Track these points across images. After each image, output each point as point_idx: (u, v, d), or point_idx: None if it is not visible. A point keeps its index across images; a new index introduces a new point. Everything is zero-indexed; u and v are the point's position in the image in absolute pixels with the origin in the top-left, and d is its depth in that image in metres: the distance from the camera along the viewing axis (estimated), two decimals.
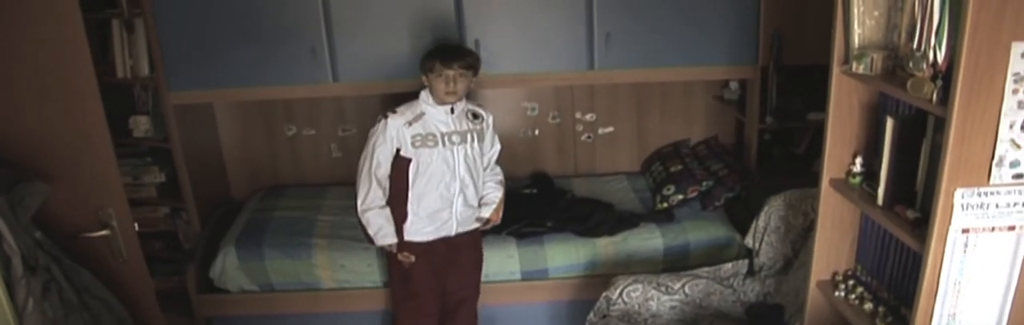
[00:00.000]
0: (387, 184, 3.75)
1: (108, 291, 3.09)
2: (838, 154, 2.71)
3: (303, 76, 4.34)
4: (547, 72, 4.47)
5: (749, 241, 3.86)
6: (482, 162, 3.87)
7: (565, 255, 4.40)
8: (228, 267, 4.35)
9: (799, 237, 3.70)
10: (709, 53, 4.47)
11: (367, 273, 4.35)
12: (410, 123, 3.68)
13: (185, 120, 4.52)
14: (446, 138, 3.71)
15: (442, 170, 3.73)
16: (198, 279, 4.37)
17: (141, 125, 4.62)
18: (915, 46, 2.10)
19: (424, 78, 3.68)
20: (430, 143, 3.69)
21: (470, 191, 3.83)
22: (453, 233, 3.87)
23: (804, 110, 4.79)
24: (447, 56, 3.62)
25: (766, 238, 3.79)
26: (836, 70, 2.58)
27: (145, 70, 4.40)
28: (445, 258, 3.92)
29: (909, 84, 2.12)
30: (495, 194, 3.95)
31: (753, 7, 4.38)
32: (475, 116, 3.81)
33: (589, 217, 4.51)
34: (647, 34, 4.39)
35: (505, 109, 5.17)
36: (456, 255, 3.96)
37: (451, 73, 3.60)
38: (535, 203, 4.74)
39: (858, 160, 2.67)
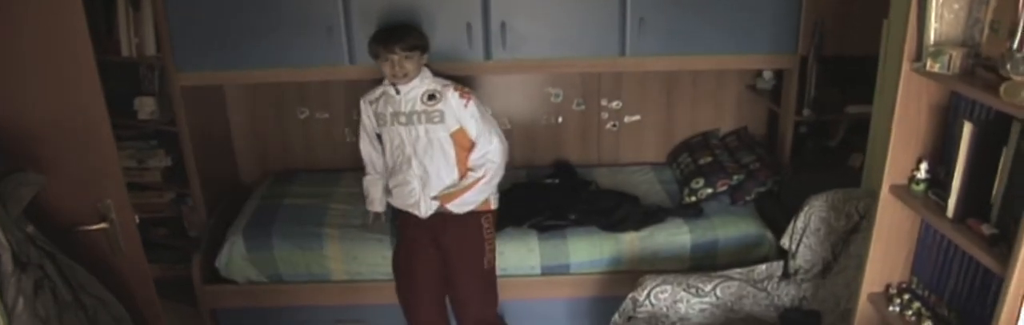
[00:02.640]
0: (375, 155, 4.00)
1: (105, 288, 2.90)
2: (901, 159, 2.49)
3: (319, 58, 4.12)
4: (575, 58, 4.24)
5: (785, 242, 3.65)
6: (449, 146, 3.78)
7: (588, 250, 4.19)
8: (235, 257, 4.15)
9: (840, 240, 3.49)
10: (747, 41, 4.23)
11: (380, 265, 4.15)
12: (372, 102, 3.86)
13: (193, 101, 4.31)
14: (394, 118, 3.77)
15: (400, 149, 3.82)
16: (203, 269, 4.17)
17: (146, 106, 4.42)
18: (1015, 46, 1.86)
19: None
20: (382, 122, 3.83)
21: (431, 174, 3.80)
22: (422, 214, 3.85)
23: (842, 102, 4.56)
24: (388, 40, 3.66)
25: (804, 240, 3.57)
26: (906, 67, 2.35)
27: (152, 49, 4.18)
28: (431, 239, 3.90)
29: (1004, 88, 1.89)
30: (465, 185, 3.81)
31: None
32: (432, 97, 3.71)
33: (614, 210, 4.30)
34: (682, 20, 4.15)
35: (527, 95, 4.96)
36: (442, 238, 3.90)
37: (395, 57, 3.63)
38: (557, 194, 4.53)
39: (923, 166, 2.45)
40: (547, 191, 4.57)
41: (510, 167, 4.97)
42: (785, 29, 4.21)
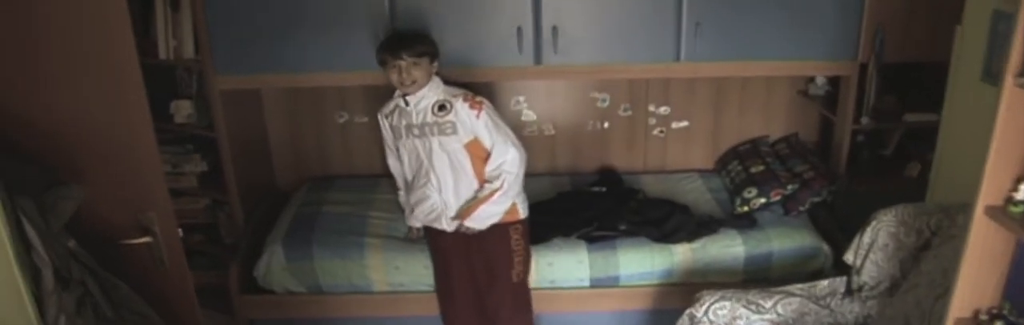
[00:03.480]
0: (400, 169, 3.94)
1: (147, 305, 2.78)
2: (999, 179, 2.32)
3: (362, 62, 3.94)
4: (627, 63, 4.09)
5: (849, 257, 3.48)
6: (465, 157, 3.68)
7: (639, 262, 4.05)
8: (274, 267, 4.03)
9: (909, 257, 3.32)
10: (805, 47, 4.07)
11: (423, 275, 4.03)
12: (387, 116, 3.79)
13: (230, 105, 4.18)
14: (408, 131, 3.70)
15: (418, 162, 3.75)
16: (241, 278, 4.05)
17: (183, 110, 4.29)
18: None
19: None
20: (397, 135, 3.77)
21: (449, 187, 3.73)
22: (448, 228, 3.81)
23: (899, 110, 4.40)
24: (394, 46, 3.56)
25: (871, 256, 3.41)
26: (1009, 82, 2.19)
27: (190, 52, 4.05)
28: (462, 251, 3.85)
29: None
30: (481, 197, 3.72)
31: None
32: (441, 108, 3.59)
33: (665, 221, 4.15)
34: (739, 25, 4.00)
35: (573, 100, 4.82)
36: (469, 250, 3.84)
37: (402, 63, 3.53)
38: (605, 203, 4.38)
39: (1022, 187, 2.29)
40: (594, 200, 4.43)
41: (554, 174, 4.88)
42: (845, 34, 4.05)
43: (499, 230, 3.77)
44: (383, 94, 4.68)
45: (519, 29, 3.95)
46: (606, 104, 4.82)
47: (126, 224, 2.75)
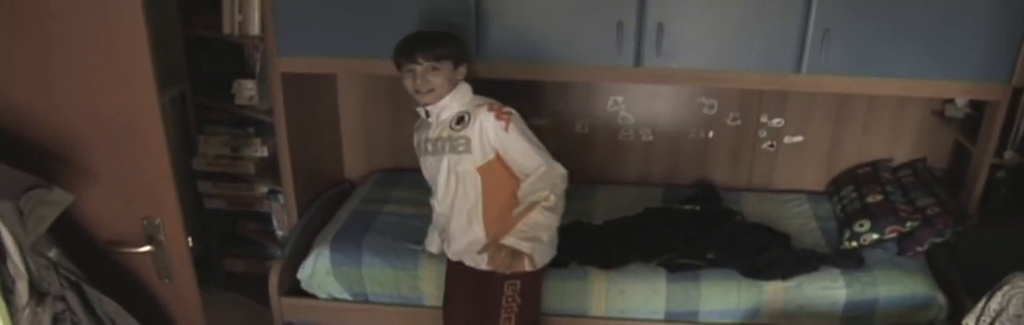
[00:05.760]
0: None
1: (137, 322, 2.44)
2: None
3: None
4: (740, 71, 3.56)
5: (970, 324, 2.96)
6: (475, 185, 3.08)
7: (723, 297, 3.59)
8: (319, 271, 3.70)
9: None
10: (949, 65, 3.49)
11: None
12: (417, 128, 3.30)
13: (296, 88, 3.81)
14: (423, 147, 3.20)
15: (434, 183, 3.22)
16: (283, 278, 3.71)
17: (246, 91, 3.95)
18: None
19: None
20: (418, 151, 3.27)
21: (456, 215, 3.15)
22: (453, 257, 3.31)
23: None
24: (409, 47, 3.02)
25: None
26: None
27: (256, 28, 3.69)
28: (462, 289, 3.36)
29: None
30: (519, 212, 3.00)
31: (1020, 12, 3.37)
32: (459, 121, 3.03)
33: (760, 252, 3.66)
34: (874, 35, 3.44)
35: (676, 103, 4.35)
36: (466, 288, 3.33)
37: (418, 68, 2.99)
38: (696, 224, 3.91)
39: None
40: (684, 220, 3.96)
41: (645, 184, 4.42)
42: (1000, 53, 3.45)
43: (492, 281, 3.14)
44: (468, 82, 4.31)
45: (619, 24, 3.48)
46: (713, 111, 4.33)
47: (128, 230, 2.41)
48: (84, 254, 2.35)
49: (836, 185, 4.37)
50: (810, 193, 4.44)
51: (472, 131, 3.00)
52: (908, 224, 3.74)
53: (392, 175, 4.49)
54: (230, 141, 4.09)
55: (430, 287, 3.65)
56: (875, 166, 4.34)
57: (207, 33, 3.91)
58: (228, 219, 4.43)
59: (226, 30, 3.75)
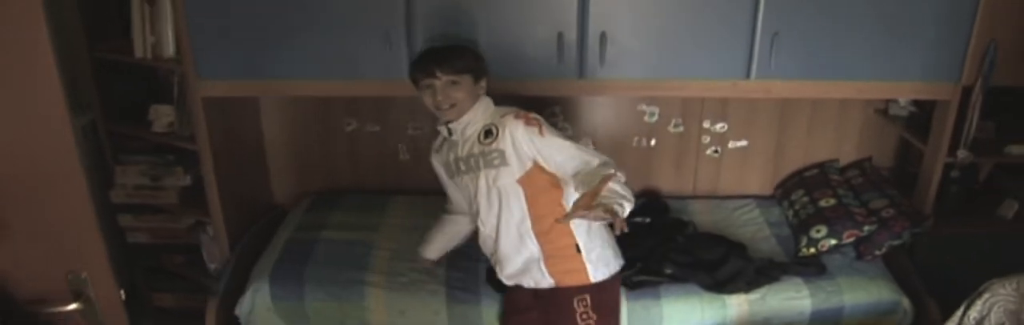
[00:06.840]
0: (456, 196, 3.24)
1: None
2: None
3: (372, 69, 3.36)
4: (686, 79, 3.43)
5: None
6: (519, 199, 2.93)
7: (686, 314, 3.44)
8: (259, 307, 3.45)
9: None
10: (899, 66, 3.41)
11: (433, 322, 3.42)
12: (437, 151, 3.20)
13: (220, 112, 3.58)
14: (453, 167, 3.06)
15: (477, 203, 3.02)
16: (220, 316, 3.46)
17: (164, 117, 3.70)
18: None
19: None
20: (450, 173, 3.12)
21: (503, 233, 2.99)
22: (508, 281, 3.12)
23: (999, 141, 3.78)
24: (426, 62, 2.93)
25: None
26: None
27: (170, 50, 3.44)
28: (527, 316, 3.13)
29: None
30: (613, 191, 2.61)
31: (967, 12, 3.31)
32: (487, 134, 2.90)
33: (719, 265, 3.52)
34: (823, 38, 3.34)
35: (617, 112, 4.20)
36: (531, 315, 3.12)
37: (438, 83, 2.89)
38: (649, 239, 3.75)
39: None
40: (637, 234, 3.79)
41: None
42: (949, 53, 3.39)
43: (558, 299, 3.02)
44: (398, 102, 4.10)
45: (560, 35, 3.31)
46: (655, 118, 4.19)
47: (52, 288, 2.17)
48: (2, 315, 2.11)
49: (784, 189, 4.26)
50: (758, 198, 4.34)
51: (504, 142, 2.86)
52: (866, 228, 3.65)
53: (326, 198, 4.26)
54: (149, 170, 3.83)
55: (380, 318, 3.44)
56: (822, 168, 4.25)
57: (118, 56, 3.63)
58: (152, 253, 4.16)
59: (138, 53, 3.49)
